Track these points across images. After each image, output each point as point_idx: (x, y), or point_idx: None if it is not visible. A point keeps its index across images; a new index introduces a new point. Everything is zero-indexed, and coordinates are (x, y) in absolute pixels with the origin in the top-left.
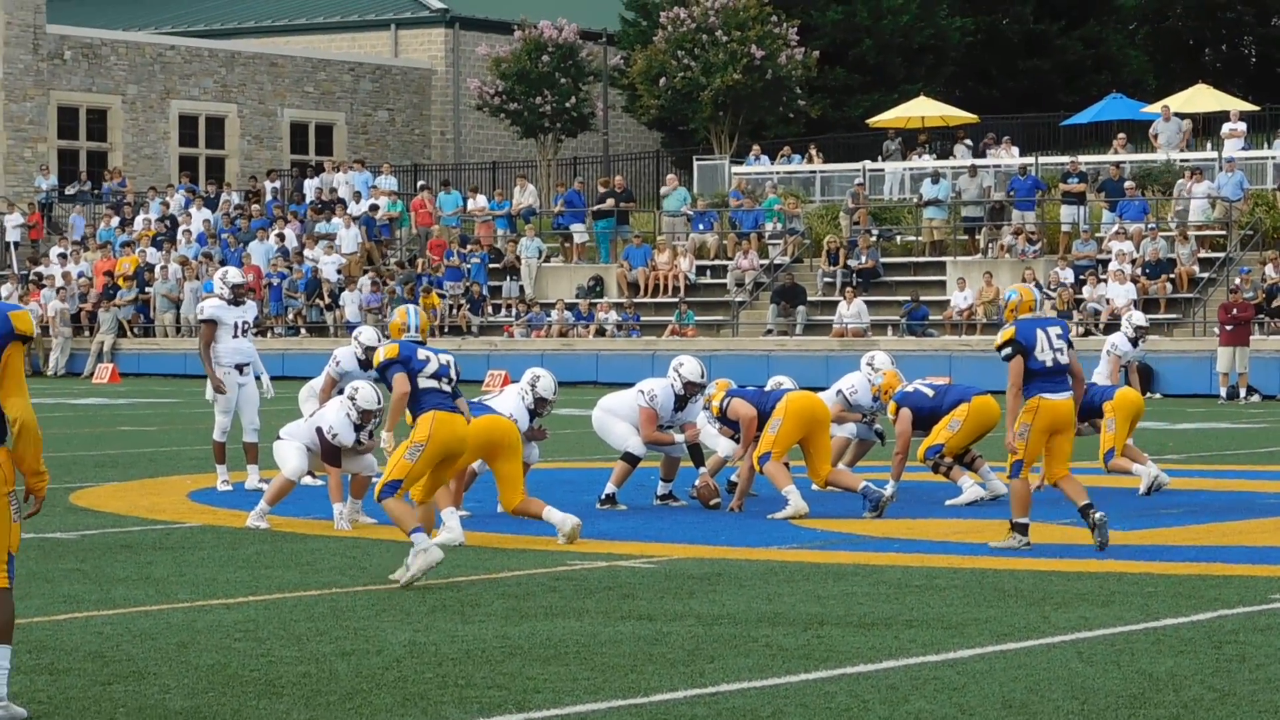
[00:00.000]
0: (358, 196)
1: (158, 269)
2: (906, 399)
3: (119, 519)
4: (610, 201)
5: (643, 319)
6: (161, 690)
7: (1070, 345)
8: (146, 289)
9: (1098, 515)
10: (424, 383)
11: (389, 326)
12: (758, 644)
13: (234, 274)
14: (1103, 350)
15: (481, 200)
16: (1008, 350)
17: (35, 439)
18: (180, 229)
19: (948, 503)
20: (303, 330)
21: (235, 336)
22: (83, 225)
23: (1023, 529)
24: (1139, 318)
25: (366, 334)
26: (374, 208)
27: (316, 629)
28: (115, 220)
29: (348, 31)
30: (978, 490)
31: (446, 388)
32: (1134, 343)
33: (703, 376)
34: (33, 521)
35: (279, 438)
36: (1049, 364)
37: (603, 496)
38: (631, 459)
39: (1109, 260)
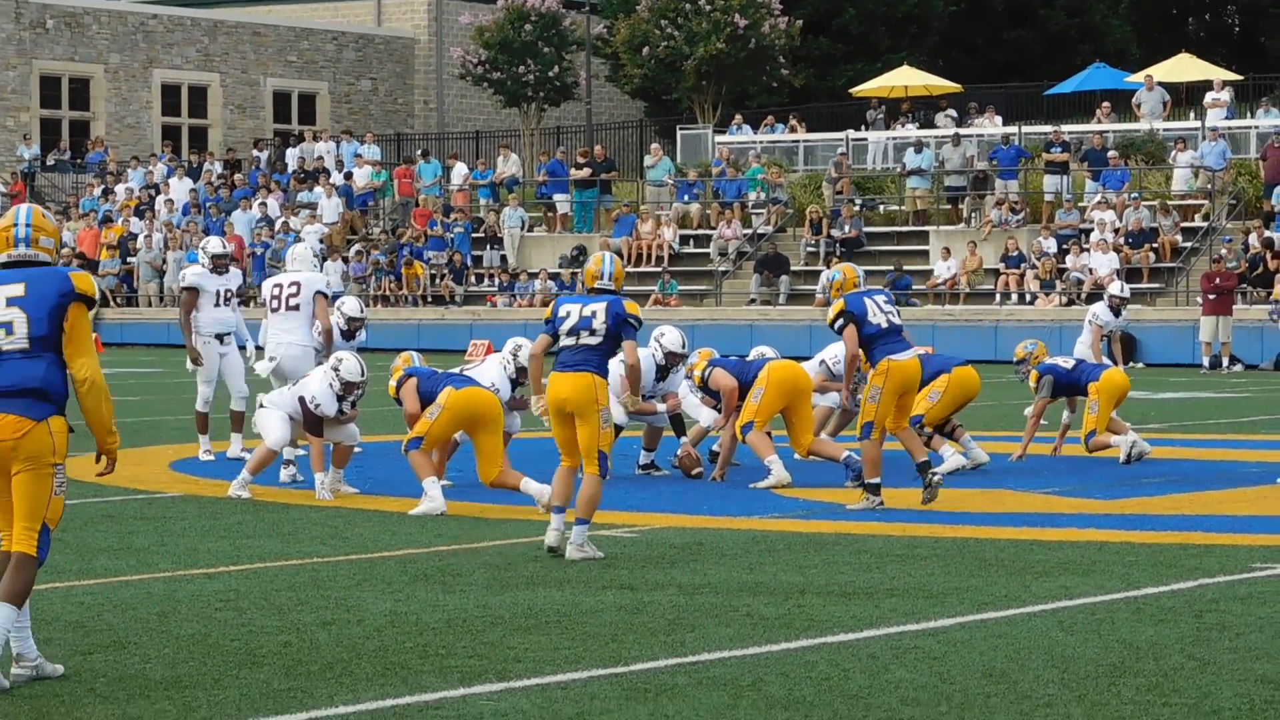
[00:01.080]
0: (341, 166)
1: (140, 238)
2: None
3: (100, 489)
4: (588, 171)
5: (626, 289)
6: (142, 660)
7: (897, 312)
8: (129, 259)
9: (935, 477)
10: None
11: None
12: (739, 613)
13: (215, 243)
14: (1085, 320)
15: (461, 169)
16: (840, 321)
17: (105, 397)
18: (162, 198)
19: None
20: (230, 270)
21: (217, 305)
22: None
23: (874, 489)
24: (1119, 287)
25: (350, 304)
26: (349, 175)
27: (297, 599)
28: (99, 190)
29: (331, 0)
30: (959, 459)
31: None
32: (1115, 312)
33: (684, 346)
34: None
35: (261, 406)
36: (884, 325)
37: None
38: (614, 429)
39: (1092, 230)
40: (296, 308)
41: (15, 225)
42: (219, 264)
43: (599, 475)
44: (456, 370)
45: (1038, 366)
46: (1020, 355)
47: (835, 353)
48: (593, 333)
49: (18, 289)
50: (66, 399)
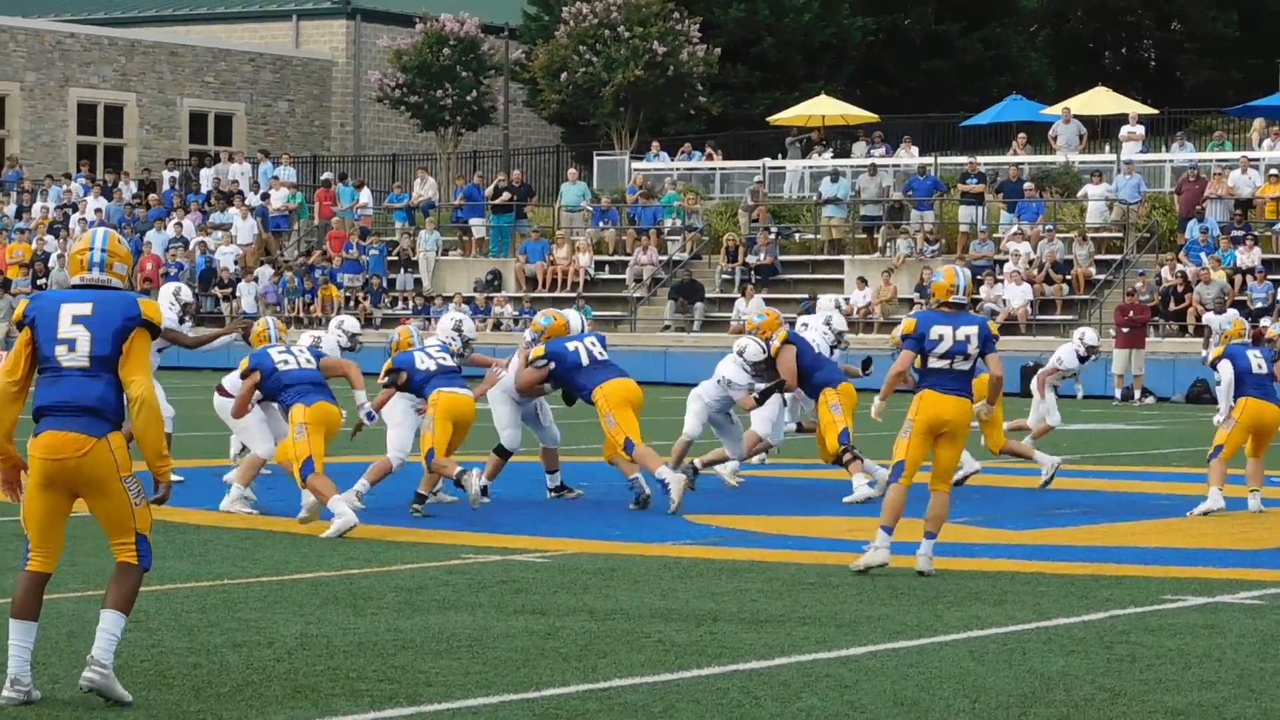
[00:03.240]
0: (256, 187)
1: (53, 257)
2: (798, 340)
3: (7, 507)
4: (507, 196)
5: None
6: (50, 680)
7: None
8: (40, 279)
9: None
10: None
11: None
12: (651, 639)
13: (186, 292)
14: (1052, 359)
15: (366, 194)
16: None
17: (156, 418)
18: (76, 217)
19: (845, 500)
20: (188, 320)
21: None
22: None
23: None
24: (1091, 336)
25: (350, 322)
26: (266, 197)
27: (208, 620)
28: (9, 207)
29: (249, 21)
30: (867, 489)
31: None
32: (1082, 360)
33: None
34: None
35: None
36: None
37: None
38: (503, 452)
39: (1006, 261)
40: None
41: (91, 249)
42: (187, 312)
43: (948, 493)
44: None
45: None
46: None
47: (723, 373)
48: (967, 357)
49: (85, 308)
50: (121, 421)
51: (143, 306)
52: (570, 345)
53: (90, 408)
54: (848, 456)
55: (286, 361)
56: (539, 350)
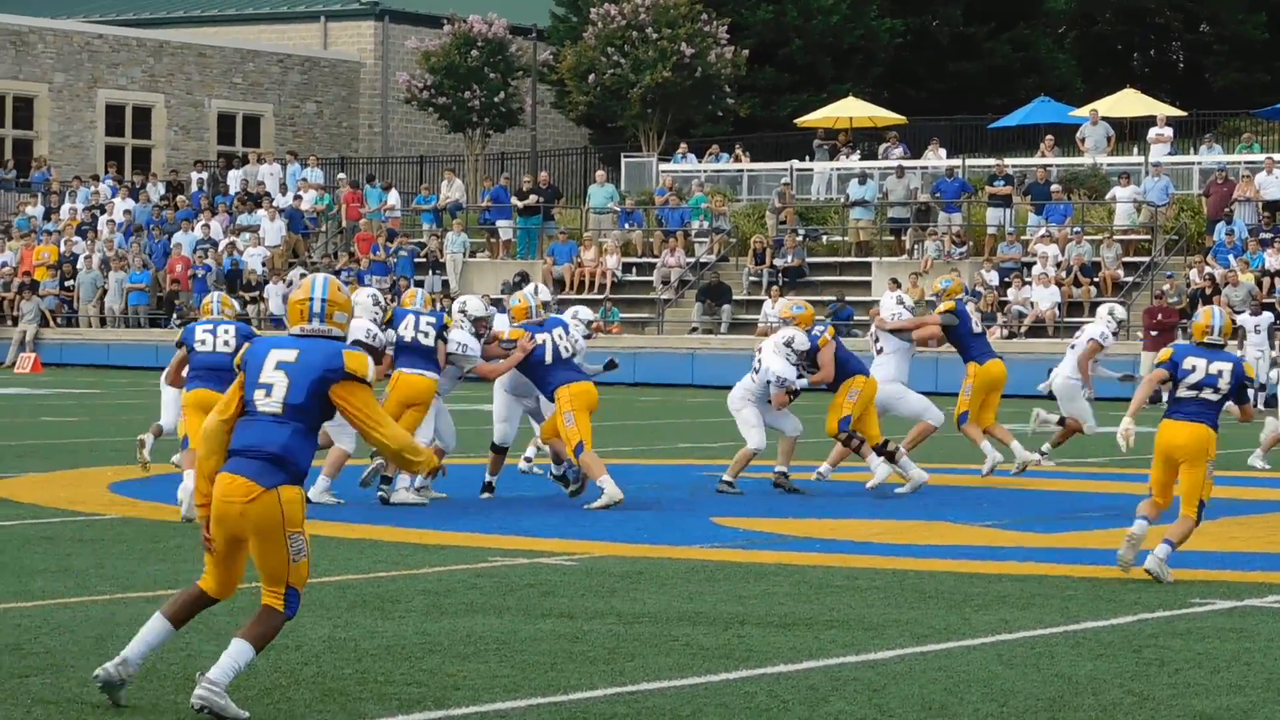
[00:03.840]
0: (284, 189)
1: (81, 259)
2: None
3: (39, 510)
4: (534, 197)
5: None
6: (80, 684)
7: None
8: (68, 281)
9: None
10: None
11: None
12: (678, 643)
13: (475, 304)
14: (1081, 339)
15: (394, 196)
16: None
17: (398, 457)
18: (104, 218)
19: (868, 485)
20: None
21: None
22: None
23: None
24: (1120, 311)
25: (473, 304)
26: (298, 199)
27: (235, 623)
28: (37, 208)
29: (277, 23)
30: (886, 470)
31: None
32: (1115, 335)
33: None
34: None
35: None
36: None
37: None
38: (496, 448)
39: (1034, 263)
40: None
41: (311, 299)
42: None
43: (1195, 520)
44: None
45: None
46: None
47: (775, 368)
48: (1216, 390)
49: (290, 354)
50: (305, 474)
51: (346, 359)
52: (540, 338)
53: (272, 454)
54: (854, 443)
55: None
56: (516, 333)
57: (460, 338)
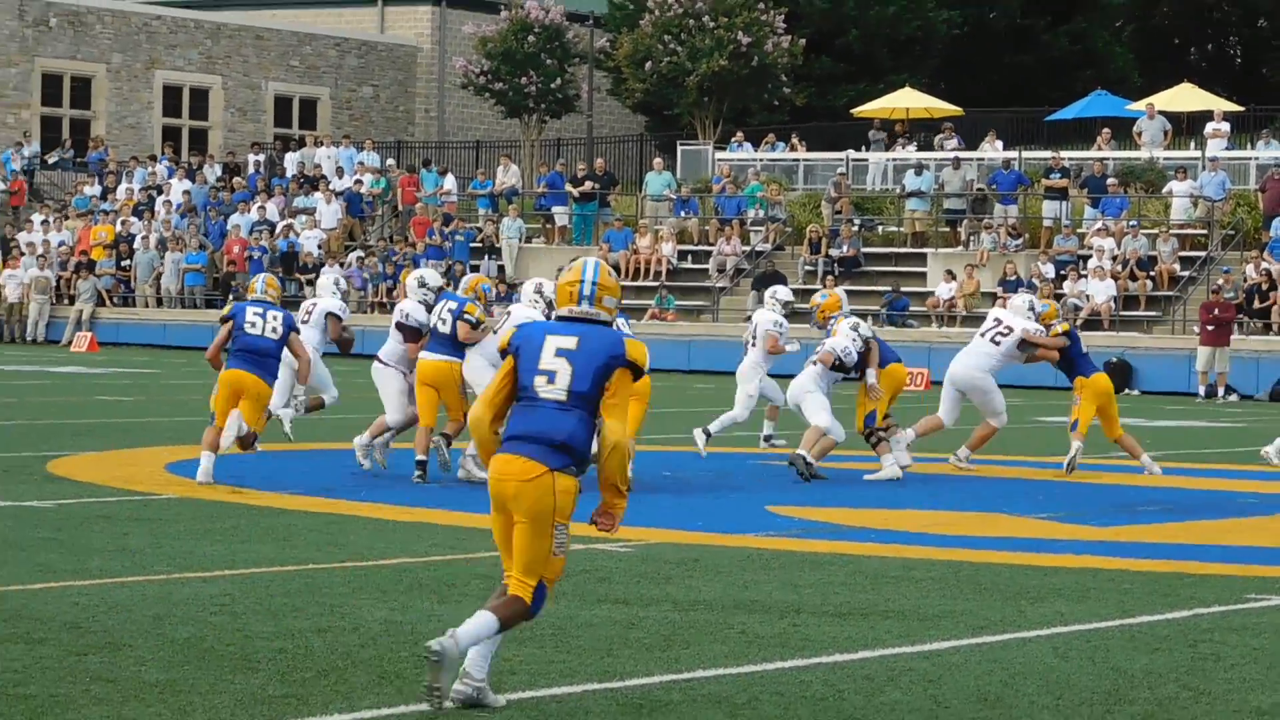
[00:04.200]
0: (340, 172)
1: (138, 239)
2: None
3: (95, 489)
4: (590, 184)
5: (623, 303)
6: (137, 662)
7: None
8: (124, 261)
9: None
10: None
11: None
12: (733, 631)
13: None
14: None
15: (450, 180)
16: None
17: (623, 464)
18: (160, 199)
19: (866, 478)
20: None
21: None
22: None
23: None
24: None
25: (431, 276)
26: (358, 182)
27: (292, 605)
28: (94, 188)
29: (334, 6)
30: (897, 470)
31: None
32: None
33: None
34: (9, 489)
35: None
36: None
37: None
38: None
39: (1090, 256)
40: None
41: (581, 281)
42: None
43: None
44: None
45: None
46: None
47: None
48: None
49: (570, 341)
50: (587, 463)
51: (628, 346)
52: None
53: (560, 442)
54: (874, 439)
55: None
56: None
57: (407, 306)
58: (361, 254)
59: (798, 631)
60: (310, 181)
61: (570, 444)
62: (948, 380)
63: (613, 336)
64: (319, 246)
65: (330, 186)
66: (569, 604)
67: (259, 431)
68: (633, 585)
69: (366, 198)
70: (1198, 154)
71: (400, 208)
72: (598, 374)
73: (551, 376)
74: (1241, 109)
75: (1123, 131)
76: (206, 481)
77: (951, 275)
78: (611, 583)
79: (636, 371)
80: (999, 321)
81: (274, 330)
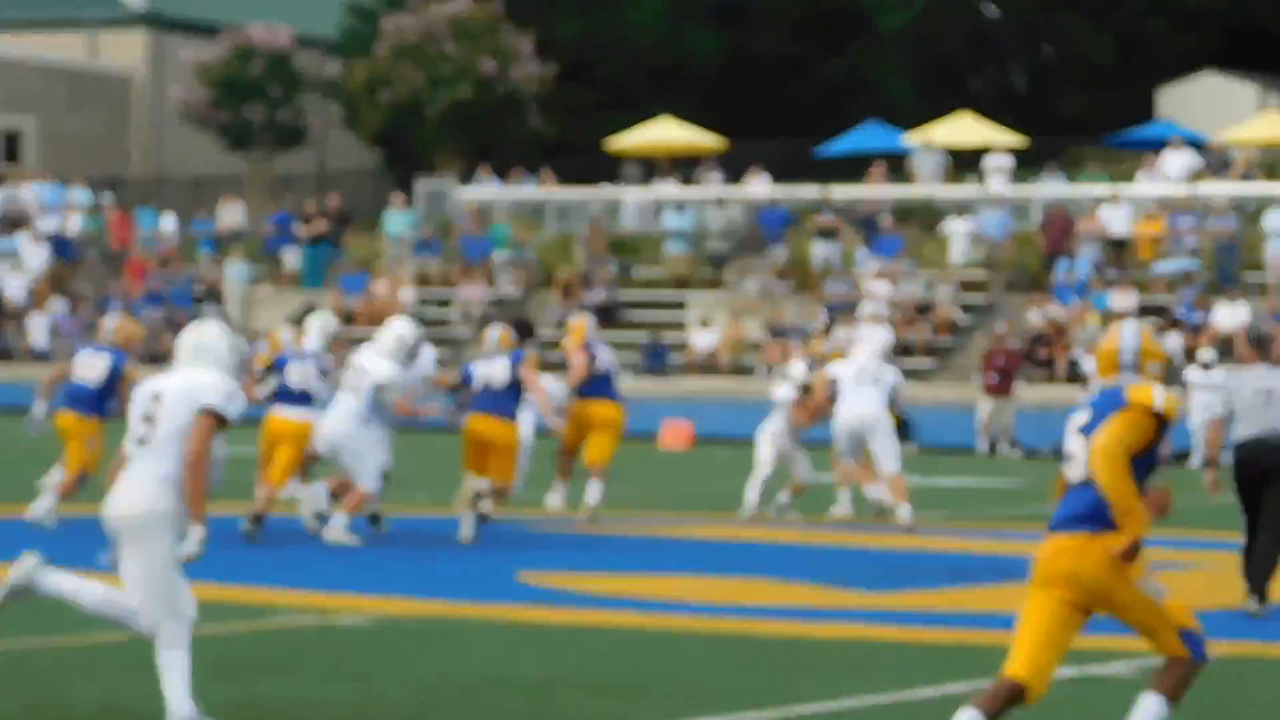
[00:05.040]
0: (47, 211)
1: None
2: None
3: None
4: (323, 224)
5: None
6: None
7: None
8: None
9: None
10: None
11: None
12: (484, 711)
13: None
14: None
15: (171, 220)
16: None
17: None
18: None
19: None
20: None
21: None
22: None
23: None
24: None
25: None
26: (62, 222)
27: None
28: None
29: (39, 30)
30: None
31: None
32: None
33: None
34: None
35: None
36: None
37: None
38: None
39: (864, 301)
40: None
41: (1121, 350)
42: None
43: None
44: None
45: None
46: None
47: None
48: None
49: (1083, 417)
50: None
51: (1131, 392)
52: None
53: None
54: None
55: None
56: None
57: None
58: (68, 301)
59: (554, 709)
60: (14, 222)
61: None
62: (855, 426)
63: (1116, 395)
64: (27, 291)
65: (36, 227)
66: (300, 682)
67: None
68: (371, 661)
69: (76, 240)
70: (979, 191)
71: (114, 250)
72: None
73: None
74: (1025, 142)
75: (898, 166)
76: None
77: (706, 324)
78: (348, 658)
79: (1161, 420)
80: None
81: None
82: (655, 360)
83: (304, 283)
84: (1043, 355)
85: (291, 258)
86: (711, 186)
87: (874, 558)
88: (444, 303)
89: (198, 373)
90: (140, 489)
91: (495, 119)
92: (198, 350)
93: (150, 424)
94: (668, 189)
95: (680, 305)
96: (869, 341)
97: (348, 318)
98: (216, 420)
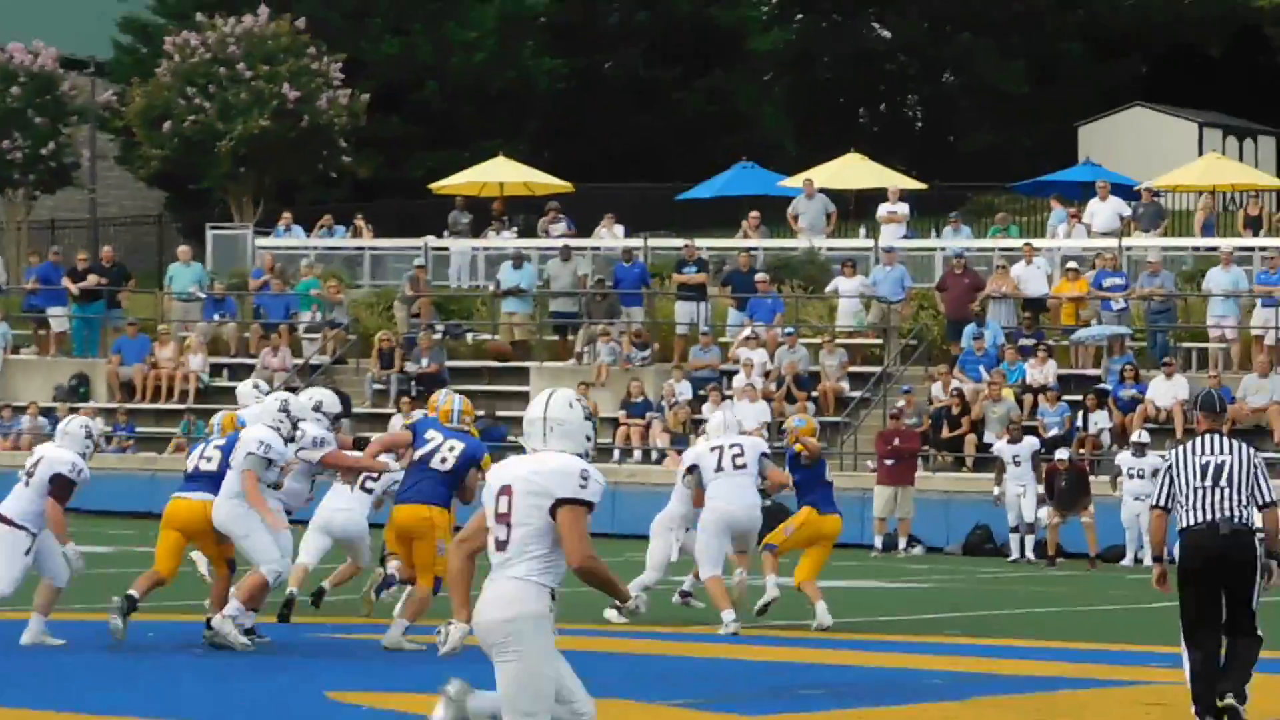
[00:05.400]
0: None
1: None
2: None
3: None
4: (96, 279)
5: (139, 430)
6: None
7: None
8: None
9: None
10: None
11: None
12: None
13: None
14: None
15: None
16: None
17: None
18: None
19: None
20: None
21: None
22: None
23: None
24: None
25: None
26: None
27: None
28: None
29: None
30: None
31: None
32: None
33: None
34: None
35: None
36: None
37: None
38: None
39: (736, 372)
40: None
41: None
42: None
43: None
44: None
45: None
46: None
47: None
48: None
49: None
50: None
51: None
52: None
53: None
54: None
55: None
56: None
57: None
58: None
59: None
60: None
61: None
62: (726, 527)
63: None
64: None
65: None
66: None
67: None
68: None
69: None
70: (869, 243)
71: None
72: None
73: None
74: (924, 186)
75: (775, 214)
76: None
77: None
78: None
79: None
80: (738, 447)
81: None
82: (492, 441)
83: (74, 349)
84: (947, 436)
85: (59, 319)
86: (555, 237)
87: (754, 672)
88: (240, 372)
89: None
90: None
91: (298, 155)
92: None
93: None
94: (504, 239)
95: (521, 375)
96: (739, 420)
97: (127, 389)
98: None
